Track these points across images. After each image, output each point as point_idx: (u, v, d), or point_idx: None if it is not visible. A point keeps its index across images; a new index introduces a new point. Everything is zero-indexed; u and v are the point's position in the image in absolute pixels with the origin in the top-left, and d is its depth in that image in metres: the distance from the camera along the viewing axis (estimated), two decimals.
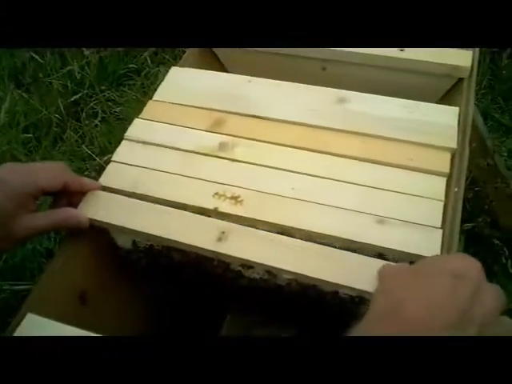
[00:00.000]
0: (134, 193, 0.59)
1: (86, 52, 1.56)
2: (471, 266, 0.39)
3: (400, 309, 0.37)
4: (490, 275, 1.10)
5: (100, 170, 1.49)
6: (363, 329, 0.38)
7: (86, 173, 1.46)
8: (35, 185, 0.53)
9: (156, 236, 0.56)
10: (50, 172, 0.56)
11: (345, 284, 0.50)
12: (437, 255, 0.50)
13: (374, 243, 0.52)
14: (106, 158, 1.44)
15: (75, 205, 0.58)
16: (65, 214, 0.57)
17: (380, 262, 0.50)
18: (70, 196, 0.59)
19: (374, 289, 0.46)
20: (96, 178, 1.50)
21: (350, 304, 0.51)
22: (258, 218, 0.55)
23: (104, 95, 1.59)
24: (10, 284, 1.15)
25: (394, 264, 0.49)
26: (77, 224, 0.56)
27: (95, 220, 0.57)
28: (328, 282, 0.50)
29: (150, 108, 0.68)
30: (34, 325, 0.50)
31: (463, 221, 1.19)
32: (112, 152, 1.63)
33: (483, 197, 1.06)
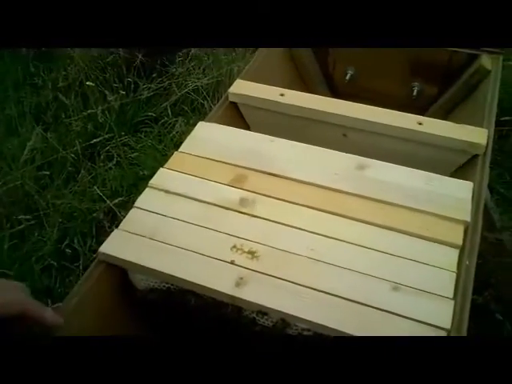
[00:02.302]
0: (152, 239, 0.61)
1: (110, 97, 1.61)
2: None
3: None
4: None
5: (109, 212, 1.51)
6: None
7: (94, 214, 1.48)
8: None
9: (174, 277, 0.57)
10: (6, 295, 0.48)
11: (358, 335, 0.51)
12: None
13: (387, 309, 0.52)
14: (116, 200, 1.47)
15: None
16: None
17: (393, 318, 0.52)
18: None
19: None
20: (104, 220, 1.49)
21: None
22: (272, 274, 0.56)
23: (121, 140, 1.63)
24: None
25: None
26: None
27: (115, 257, 0.59)
28: (340, 331, 0.51)
29: (175, 159, 0.70)
30: None
31: None
32: (123, 195, 1.63)
33: (489, 271, 1.06)
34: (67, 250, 1.34)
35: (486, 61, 0.85)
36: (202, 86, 1.71)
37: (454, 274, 0.56)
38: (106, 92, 1.67)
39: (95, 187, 1.52)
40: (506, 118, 1.63)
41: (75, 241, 1.40)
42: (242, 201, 0.64)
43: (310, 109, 0.78)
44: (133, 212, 0.64)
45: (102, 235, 1.35)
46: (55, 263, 1.30)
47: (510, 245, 1.07)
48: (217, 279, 0.56)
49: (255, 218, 0.62)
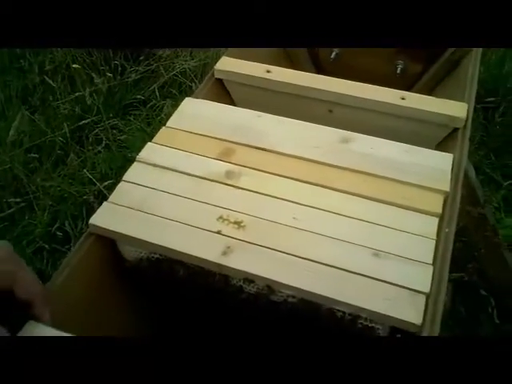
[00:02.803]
0: (140, 211, 0.62)
1: (97, 80, 1.61)
2: None
3: None
4: (477, 325, 1.12)
5: (99, 195, 1.52)
6: None
7: (84, 197, 1.48)
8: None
9: (162, 247, 0.58)
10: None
11: (341, 300, 0.53)
12: None
13: (369, 275, 0.54)
14: (106, 183, 1.48)
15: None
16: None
17: (374, 283, 0.54)
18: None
19: (370, 306, 0.51)
20: (94, 203, 1.50)
21: (342, 322, 0.54)
22: (258, 243, 0.58)
23: (109, 123, 1.63)
24: None
25: None
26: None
27: (104, 229, 0.60)
28: (325, 296, 0.53)
29: (163, 134, 0.71)
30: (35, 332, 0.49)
31: (451, 270, 1.22)
32: (112, 178, 1.65)
33: (472, 245, 1.09)
34: (58, 233, 1.35)
35: None
36: (189, 69, 1.72)
37: (434, 241, 0.58)
38: (93, 75, 1.67)
39: (85, 170, 1.53)
40: (491, 98, 1.66)
41: (66, 224, 1.41)
42: (229, 173, 0.66)
43: (296, 85, 0.79)
44: (121, 185, 0.65)
45: None
46: (46, 246, 1.31)
47: (492, 219, 1.10)
48: (204, 248, 0.57)
49: (241, 190, 0.64)
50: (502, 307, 1.18)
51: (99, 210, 0.62)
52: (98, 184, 1.47)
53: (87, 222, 0.63)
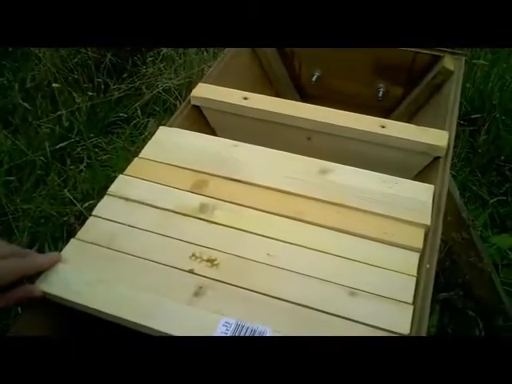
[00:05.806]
0: (109, 248, 0.59)
1: (79, 98, 1.59)
2: None
3: None
4: None
5: (80, 215, 1.48)
6: None
7: (65, 218, 1.45)
8: None
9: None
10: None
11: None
12: None
13: (345, 315, 0.52)
14: (87, 204, 1.44)
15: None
16: (20, 294, 0.53)
17: (351, 324, 0.51)
18: None
19: None
20: (75, 224, 1.46)
21: None
22: (231, 283, 0.56)
23: (92, 141, 1.60)
24: None
25: None
26: (30, 298, 0.54)
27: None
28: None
29: (136, 165, 0.69)
30: None
31: (439, 290, 1.19)
32: (94, 198, 1.61)
33: (458, 269, 1.08)
34: None
35: (448, 62, 0.86)
36: (173, 87, 1.70)
37: (414, 279, 0.56)
38: (76, 93, 1.65)
39: (65, 190, 1.50)
40: (477, 115, 1.65)
41: (46, 245, 1.38)
42: (202, 207, 0.63)
43: (273, 112, 0.77)
44: (90, 221, 0.63)
45: None
46: None
47: (478, 242, 1.08)
48: (175, 289, 0.55)
49: (215, 225, 0.62)
50: (490, 328, 1.17)
51: (66, 247, 0.59)
52: (78, 205, 1.44)
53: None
